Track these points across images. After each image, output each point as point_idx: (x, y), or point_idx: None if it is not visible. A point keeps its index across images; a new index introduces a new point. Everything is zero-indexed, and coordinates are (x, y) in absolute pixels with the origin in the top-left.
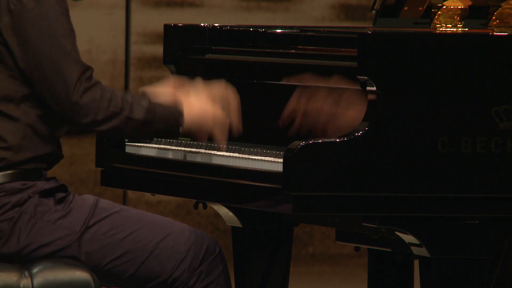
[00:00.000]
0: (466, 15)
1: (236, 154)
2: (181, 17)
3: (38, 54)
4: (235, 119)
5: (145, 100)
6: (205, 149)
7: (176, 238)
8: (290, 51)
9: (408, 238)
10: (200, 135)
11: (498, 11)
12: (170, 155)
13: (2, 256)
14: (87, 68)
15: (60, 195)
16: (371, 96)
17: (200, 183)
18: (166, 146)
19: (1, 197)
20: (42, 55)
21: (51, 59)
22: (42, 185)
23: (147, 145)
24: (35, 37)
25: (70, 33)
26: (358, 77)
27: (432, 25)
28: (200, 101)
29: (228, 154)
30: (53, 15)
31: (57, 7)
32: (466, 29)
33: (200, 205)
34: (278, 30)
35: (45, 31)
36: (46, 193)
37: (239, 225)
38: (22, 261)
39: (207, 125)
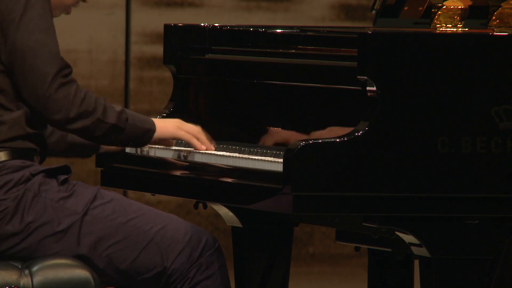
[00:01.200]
0: (466, 15)
1: (236, 154)
2: (181, 17)
3: (17, 48)
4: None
5: (118, 107)
6: (205, 149)
7: (176, 229)
8: (290, 51)
9: (408, 238)
10: (171, 143)
11: (498, 11)
12: (170, 155)
13: (6, 236)
14: (66, 66)
15: (63, 176)
16: (371, 96)
17: (200, 183)
18: (166, 146)
19: (4, 175)
20: (21, 49)
21: (29, 53)
22: (40, 166)
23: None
24: (16, 30)
25: (51, 29)
26: (358, 77)
27: (432, 25)
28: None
29: (228, 154)
30: (35, 10)
31: (39, 3)
32: (466, 29)
33: (200, 205)
34: (278, 30)
35: (25, 24)
36: (49, 173)
37: (239, 225)
38: (23, 242)
39: (179, 134)
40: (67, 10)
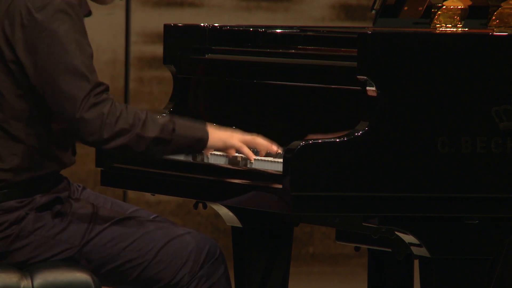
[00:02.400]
0: (466, 15)
1: (236, 154)
2: (181, 17)
3: (47, 71)
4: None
5: (164, 118)
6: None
7: (177, 244)
8: (290, 51)
9: (408, 238)
10: (228, 153)
11: (498, 11)
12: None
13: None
14: (98, 85)
15: (56, 207)
16: (371, 96)
17: (200, 183)
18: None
19: None
20: (50, 71)
21: (59, 75)
22: (39, 199)
23: None
24: (46, 53)
25: (83, 49)
26: (358, 77)
27: (432, 25)
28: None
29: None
30: (64, 32)
31: (69, 24)
32: (466, 29)
33: (200, 205)
34: (278, 30)
35: (55, 47)
36: (42, 208)
37: (239, 225)
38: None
39: (231, 142)
40: None
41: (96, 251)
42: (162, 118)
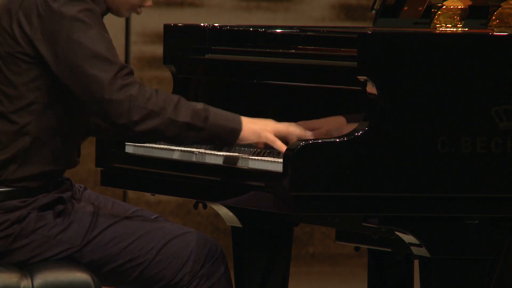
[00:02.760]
0: (466, 15)
1: (236, 154)
2: (181, 17)
3: (69, 57)
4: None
5: (199, 104)
6: (205, 149)
7: (178, 244)
8: (290, 51)
9: (408, 238)
10: (258, 145)
11: (498, 11)
12: (170, 155)
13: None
14: (123, 67)
15: (58, 207)
16: (371, 96)
17: (200, 183)
18: (166, 146)
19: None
20: (73, 58)
21: (83, 60)
22: (42, 199)
23: (147, 145)
24: (65, 40)
25: (103, 34)
26: (358, 77)
27: (432, 25)
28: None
29: (228, 154)
30: (82, 18)
31: (86, 12)
32: (466, 29)
33: (200, 205)
34: (278, 30)
35: (74, 34)
36: (44, 207)
37: (239, 225)
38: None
39: (263, 136)
40: (135, 9)
41: (97, 250)
42: (196, 104)
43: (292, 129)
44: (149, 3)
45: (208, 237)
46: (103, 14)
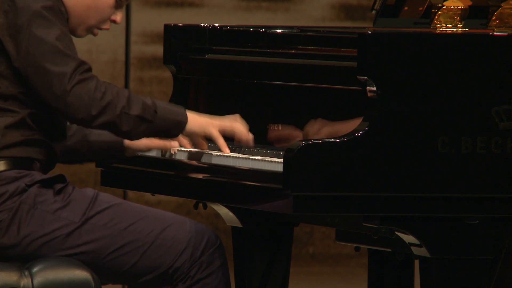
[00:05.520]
0: (466, 15)
1: (236, 154)
2: (181, 17)
3: (30, 53)
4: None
5: (147, 98)
6: (205, 149)
7: (177, 229)
8: (290, 51)
9: (408, 238)
10: (199, 140)
11: (498, 11)
12: (170, 155)
13: (3, 248)
14: (82, 63)
15: (59, 185)
16: (371, 96)
17: (200, 183)
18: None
19: None
20: (34, 54)
21: (43, 56)
22: (38, 175)
23: None
24: (28, 37)
25: (63, 32)
26: (358, 77)
27: (432, 25)
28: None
29: (228, 154)
30: (45, 16)
31: (48, 9)
32: (466, 29)
33: (200, 205)
34: (278, 30)
35: (37, 30)
36: (45, 183)
37: (239, 225)
38: (22, 254)
39: (209, 131)
40: (92, 31)
41: (96, 230)
42: (145, 98)
43: (237, 128)
44: (107, 26)
45: (207, 227)
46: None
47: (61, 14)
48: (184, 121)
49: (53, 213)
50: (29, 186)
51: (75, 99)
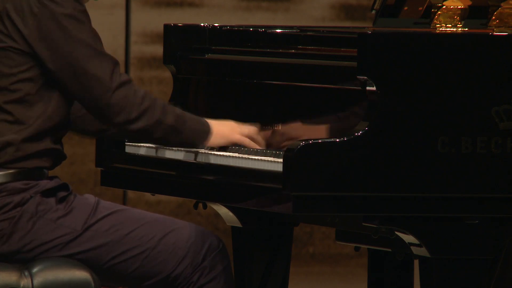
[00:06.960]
0: (466, 15)
1: (236, 154)
2: (181, 17)
3: (68, 55)
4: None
5: (177, 109)
6: (204, 149)
7: (178, 235)
8: (290, 51)
9: (408, 238)
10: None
11: (498, 11)
12: (170, 155)
13: (3, 255)
14: (116, 63)
15: (61, 194)
16: (371, 96)
17: (200, 183)
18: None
19: (3, 197)
20: (73, 56)
21: (82, 58)
22: (44, 184)
23: (147, 145)
24: (64, 38)
25: (94, 31)
26: (358, 77)
27: (432, 25)
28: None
29: (228, 154)
30: (78, 18)
31: (78, 10)
32: (466, 29)
33: (200, 205)
34: (278, 30)
35: (72, 31)
36: (47, 192)
37: (239, 225)
38: (23, 259)
39: (234, 138)
40: None
41: (97, 237)
42: (175, 108)
43: (255, 135)
44: None
45: (209, 231)
46: None
47: (87, 14)
48: (209, 131)
49: (55, 221)
50: (32, 196)
51: (118, 101)
